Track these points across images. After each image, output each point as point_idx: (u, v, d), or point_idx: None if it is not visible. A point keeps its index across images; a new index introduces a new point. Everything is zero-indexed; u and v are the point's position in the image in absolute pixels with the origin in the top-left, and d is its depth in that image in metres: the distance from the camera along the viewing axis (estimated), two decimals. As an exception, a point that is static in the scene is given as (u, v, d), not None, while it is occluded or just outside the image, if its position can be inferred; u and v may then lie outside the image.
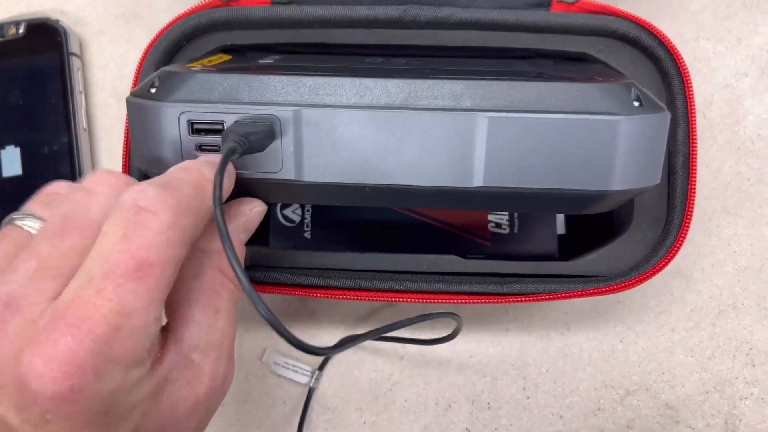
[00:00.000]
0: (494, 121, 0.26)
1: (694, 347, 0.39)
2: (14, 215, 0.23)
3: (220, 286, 0.24)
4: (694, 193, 0.33)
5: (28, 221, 0.23)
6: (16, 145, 0.40)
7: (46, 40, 0.41)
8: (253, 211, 0.27)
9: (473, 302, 0.33)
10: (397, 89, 0.26)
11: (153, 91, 0.27)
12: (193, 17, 0.34)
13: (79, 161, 0.40)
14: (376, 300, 0.34)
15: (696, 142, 0.34)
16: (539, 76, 0.28)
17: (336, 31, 0.35)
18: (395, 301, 0.33)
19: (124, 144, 0.34)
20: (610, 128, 0.26)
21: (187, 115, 0.26)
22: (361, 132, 0.26)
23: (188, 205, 0.21)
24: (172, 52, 0.35)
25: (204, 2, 0.35)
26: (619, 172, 0.27)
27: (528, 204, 0.28)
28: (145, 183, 0.21)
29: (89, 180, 0.24)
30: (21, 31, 0.41)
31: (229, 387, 0.25)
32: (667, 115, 0.28)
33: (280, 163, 0.26)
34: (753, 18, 0.41)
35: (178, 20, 0.34)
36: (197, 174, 0.23)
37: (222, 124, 0.26)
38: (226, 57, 0.33)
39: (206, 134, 0.26)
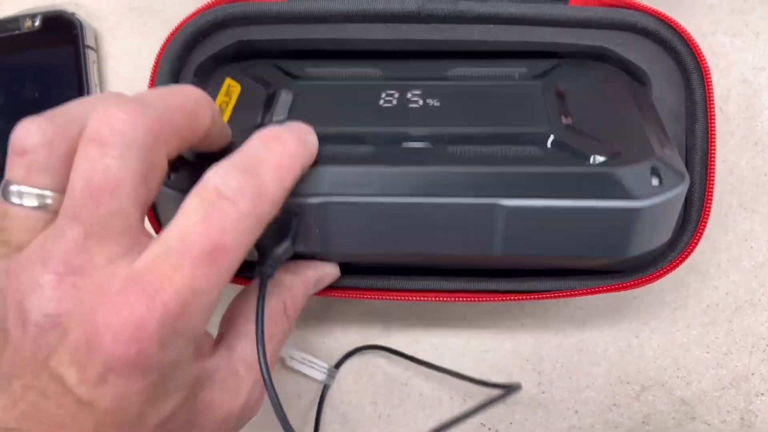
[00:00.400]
0: (513, 208, 0.27)
1: (710, 343, 0.39)
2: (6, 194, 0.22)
3: (279, 318, 0.26)
4: (712, 189, 0.33)
5: (26, 200, 0.22)
6: (31, 138, 0.40)
7: (61, 33, 0.41)
8: (330, 273, 0.31)
9: (491, 300, 0.33)
10: (417, 181, 0.27)
11: (171, 179, 0.28)
12: (209, 13, 0.34)
13: (94, 154, 0.40)
14: (392, 299, 0.34)
15: (715, 138, 0.33)
16: (559, 146, 0.29)
17: (353, 25, 0.35)
18: (412, 300, 0.33)
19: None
20: (628, 213, 0.27)
21: None
22: (384, 218, 0.28)
23: (267, 192, 0.22)
24: (188, 47, 0.35)
25: None
26: (635, 243, 0.28)
27: (546, 262, 0.31)
28: (227, 165, 0.22)
29: (94, 125, 0.21)
30: (37, 23, 0.41)
31: (256, 412, 0.26)
32: (687, 183, 0.28)
33: (306, 239, 0.28)
34: (771, 12, 0.41)
35: (193, 16, 0.34)
36: (279, 152, 0.23)
37: None
38: (235, 87, 0.33)
39: None
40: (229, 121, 0.31)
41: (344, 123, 0.30)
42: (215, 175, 0.21)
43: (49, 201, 0.22)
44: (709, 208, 0.33)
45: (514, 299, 0.33)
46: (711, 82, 0.34)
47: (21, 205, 0.22)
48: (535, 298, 0.33)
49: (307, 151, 0.25)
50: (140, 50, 0.42)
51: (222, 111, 0.31)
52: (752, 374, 0.39)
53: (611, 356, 0.39)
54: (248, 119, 0.31)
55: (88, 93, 0.40)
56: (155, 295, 0.19)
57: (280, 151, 0.23)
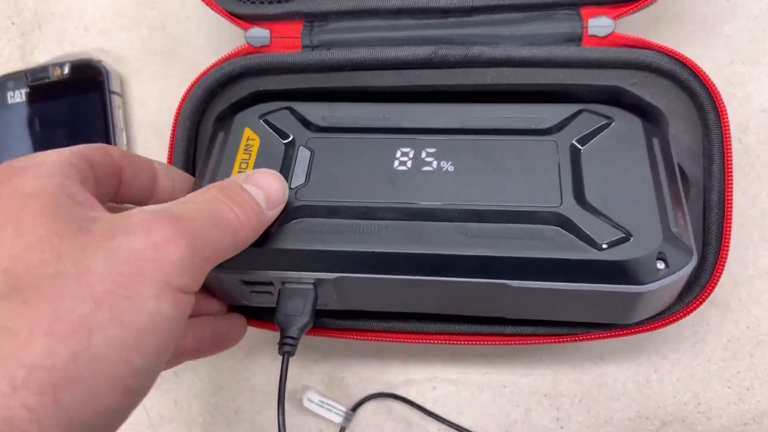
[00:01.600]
0: (521, 288, 0.29)
1: (731, 378, 0.39)
2: None
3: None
4: (730, 231, 0.33)
5: None
6: (62, 182, 0.42)
7: (88, 80, 0.42)
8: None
9: (509, 344, 0.34)
10: (429, 262, 0.29)
11: None
12: (225, 65, 0.36)
13: (121, 197, 0.41)
14: (410, 342, 0.34)
15: (732, 178, 0.33)
16: (569, 229, 0.29)
17: (366, 73, 0.36)
18: (430, 343, 0.34)
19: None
20: (632, 295, 0.29)
21: (241, 276, 0.30)
22: (397, 288, 0.30)
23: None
24: (206, 99, 0.36)
25: (236, 50, 0.36)
26: (637, 315, 0.31)
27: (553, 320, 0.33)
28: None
29: None
30: (65, 72, 0.43)
31: None
32: (694, 262, 0.29)
33: (326, 300, 0.31)
34: (790, 40, 0.40)
35: (211, 69, 0.36)
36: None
37: (271, 282, 0.30)
38: (254, 141, 0.34)
39: (256, 285, 0.31)
40: None
41: (360, 193, 0.31)
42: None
43: None
44: (727, 250, 0.32)
45: (541, 343, 0.33)
46: (728, 121, 0.33)
47: None
48: (560, 342, 0.33)
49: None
50: (163, 93, 0.44)
51: (242, 171, 0.32)
52: (775, 410, 0.38)
53: (630, 391, 0.39)
54: None
55: (114, 137, 0.42)
56: None
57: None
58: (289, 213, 0.31)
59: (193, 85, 0.36)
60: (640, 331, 0.32)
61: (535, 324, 0.33)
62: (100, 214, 0.22)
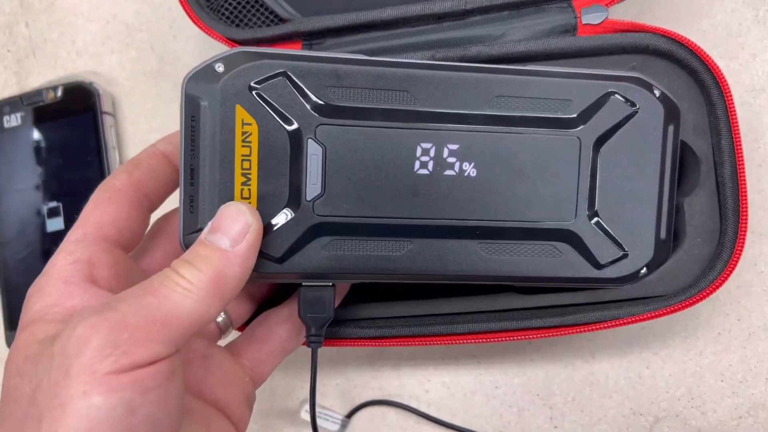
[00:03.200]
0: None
1: (724, 371, 0.38)
2: None
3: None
4: (746, 202, 0.33)
5: None
6: (58, 202, 0.43)
7: (81, 101, 0.44)
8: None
9: (537, 337, 0.34)
10: (448, 281, 0.32)
11: None
12: None
13: (114, 214, 0.42)
14: (440, 344, 0.35)
15: (741, 151, 0.34)
16: (577, 247, 0.32)
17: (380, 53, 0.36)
18: (459, 343, 0.34)
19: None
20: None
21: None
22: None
23: None
24: None
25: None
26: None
27: None
28: None
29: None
30: (59, 94, 0.44)
31: None
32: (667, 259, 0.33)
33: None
34: (767, 33, 0.40)
35: None
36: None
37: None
38: (252, 128, 0.29)
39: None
40: (258, 186, 0.29)
41: (383, 207, 0.30)
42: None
43: None
44: (746, 221, 0.33)
45: (563, 334, 0.34)
46: (730, 94, 0.34)
47: None
48: (583, 331, 0.34)
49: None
50: (153, 112, 0.45)
51: (247, 175, 0.29)
52: (770, 402, 0.38)
53: (623, 388, 0.39)
54: (280, 188, 0.30)
55: (107, 155, 0.43)
56: None
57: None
58: (309, 230, 0.30)
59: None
60: (672, 311, 0.33)
61: (562, 314, 0.34)
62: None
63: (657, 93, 0.32)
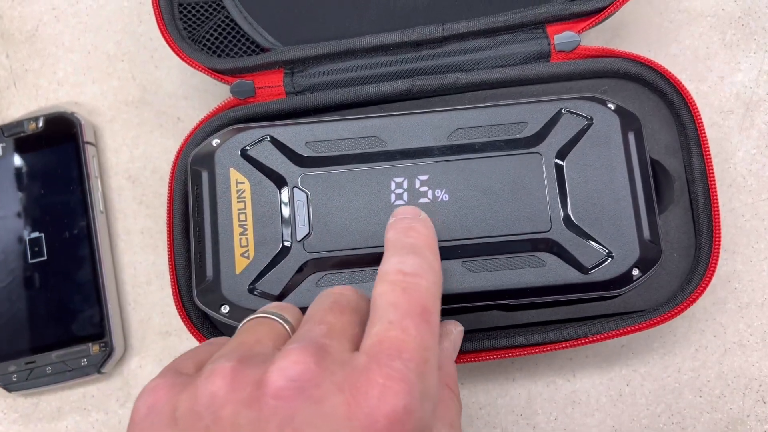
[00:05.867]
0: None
1: (702, 387, 0.39)
2: (267, 314, 0.27)
3: (450, 400, 0.27)
4: (719, 216, 0.34)
5: (276, 318, 0.26)
6: (40, 232, 0.43)
7: (62, 132, 0.44)
8: (456, 330, 0.31)
9: (520, 355, 0.35)
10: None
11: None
12: (214, 119, 0.37)
13: (97, 243, 0.42)
14: None
15: (712, 168, 0.35)
16: (558, 254, 0.33)
17: (348, 111, 0.37)
18: None
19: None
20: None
21: None
22: None
23: (434, 264, 0.26)
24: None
25: (222, 104, 0.38)
26: None
27: None
28: (397, 252, 0.26)
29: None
30: (40, 125, 0.44)
31: None
32: (661, 258, 0.33)
33: None
34: (734, 56, 0.42)
35: (201, 125, 0.37)
36: (419, 234, 0.28)
37: None
38: (244, 185, 0.34)
39: None
40: (255, 234, 0.33)
41: (366, 238, 0.33)
42: (393, 263, 0.25)
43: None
44: (719, 235, 0.35)
45: (546, 351, 0.35)
46: (699, 114, 0.35)
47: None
48: (566, 347, 0.35)
49: (431, 226, 0.29)
50: (136, 141, 0.45)
51: (243, 226, 0.33)
52: (747, 416, 0.38)
53: (604, 406, 0.40)
54: (273, 233, 0.33)
55: (89, 185, 0.43)
56: (400, 355, 0.21)
57: (418, 234, 0.28)
58: (302, 267, 0.33)
59: (184, 142, 0.37)
60: (652, 324, 0.34)
61: (545, 331, 0.35)
62: None
63: (611, 106, 0.34)
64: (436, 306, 0.24)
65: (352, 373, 0.21)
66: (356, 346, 0.23)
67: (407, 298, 0.24)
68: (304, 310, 0.29)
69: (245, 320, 0.27)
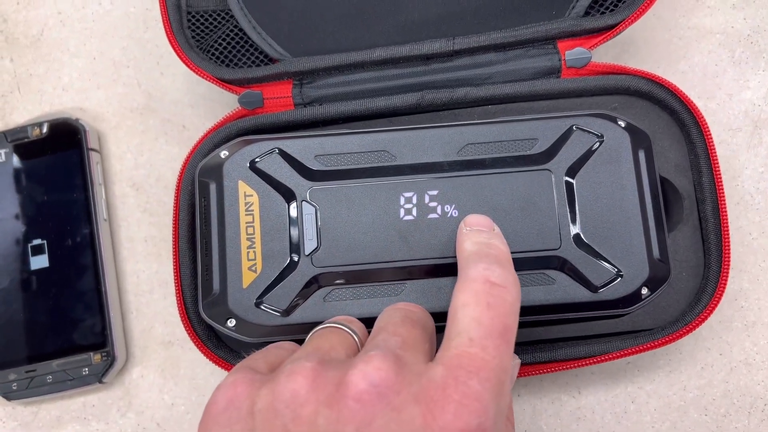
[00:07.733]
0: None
1: (707, 405, 0.39)
2: (337, 324, 0.27)
3: (507, 430, 0.27)
4: (729, 237, 0.34)
5: (347, 328, 0.27)
6: (42, 239, 0.43)
7: (67, 138, 0.43)
8: (514, 362, 0.31)
9: (527, 374, 0.35)
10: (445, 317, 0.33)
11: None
12: (222, 130, 0.37)
13: (100, 251, 0.42)
14: None
15: (722, 188, 0.35)
16: (568, 272, 0.32)
17: (357, 123, 0.37)
18: None
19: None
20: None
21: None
22: None
23: (515, 277, 0.26)
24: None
25: (231, 113, 0.37)
26: None
27: None
28: (485, 259, 0.26)
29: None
30: (44, 131, 0.44)
31: None
32: (670, 277, 0.33)
33: None
34: (742, 73, 0.42)
35: (208, 135, 0.37)
36: (496, 244, 0.28)
37: None
38: (253, 198, 0.33)
39: None
40: (263, 248, 0.33)
41: (375, 253, 0.32)
42: (479, 269, 0.25)
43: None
44: (729, 255, 0.34)
45: (551, 371, 0.35)
46: (710, 133, 0.35)
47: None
48: (571, 367, 0.35)
49: (505, 241, 0.29)
50: (140, 148, 0.45)
51: (251, 239, 0.33)
52: (752, 435, 0.38)
53: (609, 423, 0.39)
54: (281, 247, 0.33)
55: (93, 192, 0.43)
56: (478, 372, 0.21)
57: (498, 249, 0.28)
58: (310, 282, 0.32)
59: (191, 152, 0.37)
60: (660, 344, 0.34)
61: (551, 349, 0.35)
62: None
63: (622, 123, 0.34)
64: (516, 323, 0.24)
65: (429, 385, 0.21)
66: (428, 361, 0.24)
67: (491, 315, 0.23)
68: (313, 325, 0.29)
69: (316, 329, 0.27)
